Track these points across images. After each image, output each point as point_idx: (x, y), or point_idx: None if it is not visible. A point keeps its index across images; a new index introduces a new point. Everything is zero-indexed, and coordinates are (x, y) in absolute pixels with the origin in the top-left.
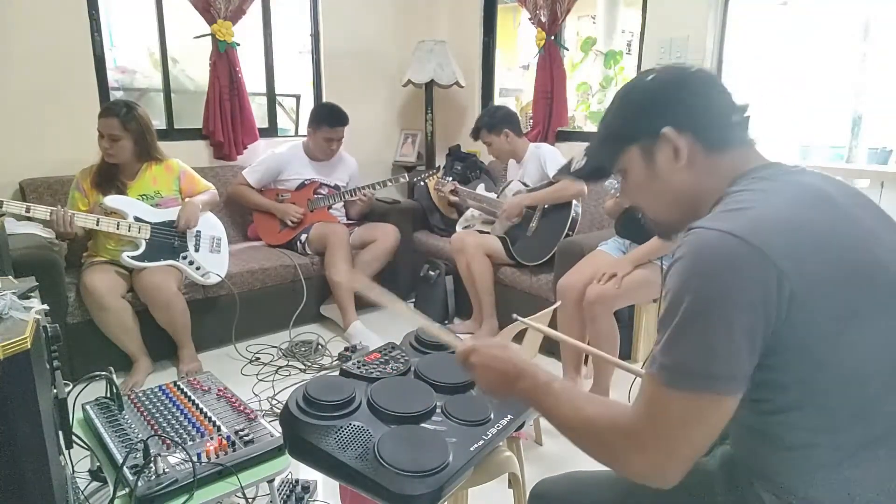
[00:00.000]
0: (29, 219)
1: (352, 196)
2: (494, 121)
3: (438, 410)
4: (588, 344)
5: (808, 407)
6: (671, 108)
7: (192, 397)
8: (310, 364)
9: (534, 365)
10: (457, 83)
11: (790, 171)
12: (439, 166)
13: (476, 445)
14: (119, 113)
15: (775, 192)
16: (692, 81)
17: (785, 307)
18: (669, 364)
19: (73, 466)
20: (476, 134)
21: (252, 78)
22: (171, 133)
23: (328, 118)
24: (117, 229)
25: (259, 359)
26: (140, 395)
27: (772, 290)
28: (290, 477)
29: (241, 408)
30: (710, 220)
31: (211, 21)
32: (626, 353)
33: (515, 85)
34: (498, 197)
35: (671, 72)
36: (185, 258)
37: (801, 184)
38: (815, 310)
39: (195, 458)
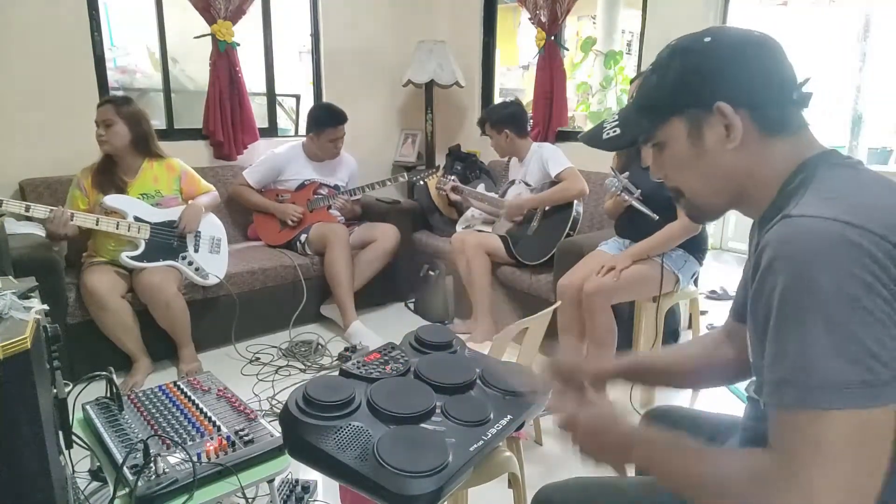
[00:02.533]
0: (28, 218)
1: (351, 196)
2: (497, 118)
3: (438, 411)
4: (586, 340)
5: None
6: (728, 80)
7: (192, 397)
8: (310, 364)
9: (636, 425)
10: (457, 83)
11: (853, 160)
12: (439, 165)
13: (476, 446)
14: (114, 100)
15: (858, 181)
16: (755, 50)
17: None
18: (814, 382)
19: (73, 466)
20: (482, 125)
21: (252, 78)
22: (171, 133)
23: (329, 120)
24: (117, 229)
25: (259, 359)
26: (140, 395)
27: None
28: (290, 477)
29: (241, 408)
30: (806, 208)
31: (211, 21)
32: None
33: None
34: (500, 196)
35: (731, 36)
36: (184, 259)
37: (876, 174)
38: None
39: (195, 458)
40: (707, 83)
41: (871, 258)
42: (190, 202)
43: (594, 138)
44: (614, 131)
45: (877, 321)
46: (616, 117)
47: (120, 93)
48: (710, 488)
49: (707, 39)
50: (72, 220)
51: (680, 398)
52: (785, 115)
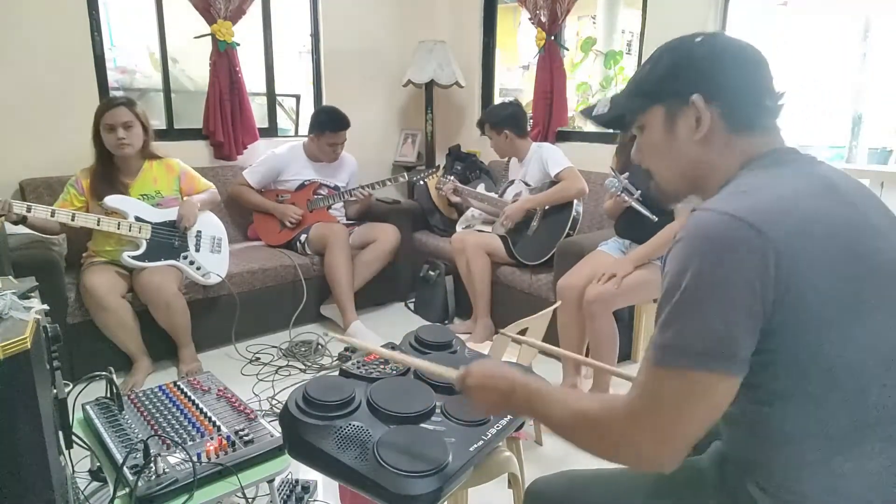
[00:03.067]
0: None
1: (351, 196)
2: (497, 119)
3: (438, 410)
4: (588, 344)
5: (799, 396)
6: (707, 77)
7: (192, 397)
8: (310, 364)
9: (527, 376)
10: (457, 83)
11: (802, 159)
12: (439, 165)
13: (475, 446)
14: (123, 101)
15: (783, 178)
16: (737, 55)
17: (782, 290)
18: (666, 343)
19: (73, 466)
20: (481, 126)
21: (252, 78)
22: (171, 133)
23: (330, 124)
24: (118, 229)
25: (259, 359)
26: (140, 395)
27: (769, 272)
28: (290, 477)
29: (241, 408)
30: (713, 202)
31: (211, 21)
32: (626, 353)
33: (515, 85)
34: (500, 196)
35: (719, 40)
36: (185, 258)
37: (810, 173)
38: (812, 296)
39: (195, 458)
40: (688, 77)
41: (746, 249)
42: (186, 198)
43: (587, 111)
44: (605, 108)
45: (730, 305)
46: (610, 98)
47: (120, 93)
48: (578, 425)
49: (698, 40)
50: (72, 221)
51: None
52: (753, 117)
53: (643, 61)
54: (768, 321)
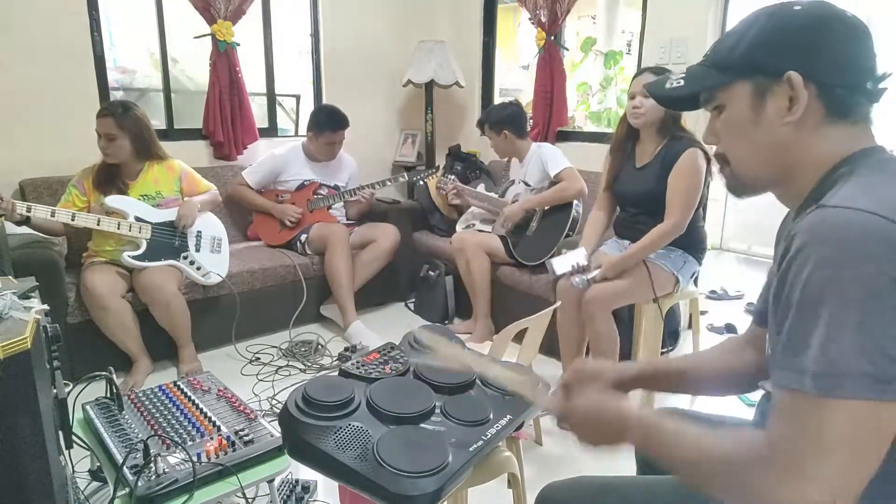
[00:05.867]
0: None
1: (352, 196)
2: (496, 120)
3: (437, 411)
4: (588, 344)
5: None
6: (806, 51)
7: (192, 397)
8: (310, 364)
9: (633, 406)
10: (457, 83)
11: None
12: (439, 165)
13: (475, 446)
14: (115, 112)
15: None
16: (842, 28)
17: None
18: (827, 370)
19: (73, 466)
20: (481, 127)
21: (252, 78)
22: (171, 133)
23: (329, 123)
24: (118, 229)
25: (259, 359)
26: (140, 395)
27: None
28: (290, 477)
29: (241, 408)
30: (844, 199)
31: (211, 21)
32: (627, 353)
33: (515, 85)
34: (500, 196)
35: (823, 9)
36: (185, 258)
37: None
38: None
39: (195, 458)
40: (784, 49)
41: None
42: (186, 199)
43: (657, 87)
44: (679, 82)
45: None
46: (684, 72)
47: (120, 93)
48: (708, 466)
49: (797, 7)
50: (73, 221)
51: (679, 403)
52: (853, 101)
53: (729, 29)
54: None
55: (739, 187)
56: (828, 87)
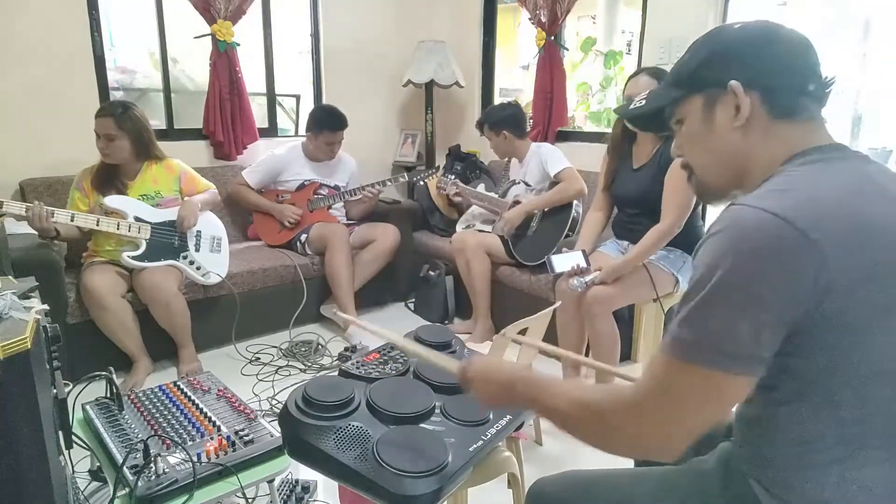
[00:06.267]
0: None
1: (353, 195)
2: (495, 120)
3: (437, 411)
4: (588, 344)
5: (818, 399)
6: (746, 62)
7: (192, 397)
8: (310, 364)
9: (527, 368)
10: (457, 83)
11: (851, 155)
12: (439, 166)
13: (475, 446)
14: (114, 112)
15: (829, 175)
16: (779, 40)
17: (820, 297)
18: (688, 337)
19: (73, 466)
20: (480, 127)
21: (252, 78)
22: (171, 133)
23: (328, 123)
24: (117, 229)
25: (259, 359)
26: (140, 395)
27: (809, 279)
28: (290, 477)
29: (241, 408)
30: (755, 198)
31: (211, 21)
32: (627, 353)
33: (515, 85)
34: (501, 196)
35: (760, 26)
36: (185, 258)
37: (858, 171)
38: (850, 303)
39: (195, 458)
40: (726, 64)
41: (788, 253)
42: (186, 199)
43: (623, 110)
44: (641, 102)
45: (761, 308)
46: (646, 93)
47: (120, 93)
48: (585, 414)
49: (737, 26)
50: (72, 221)
51: None
52: (796, 102)
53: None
54: (798, 326)
55: (707, 194)
56: (769, 91)
